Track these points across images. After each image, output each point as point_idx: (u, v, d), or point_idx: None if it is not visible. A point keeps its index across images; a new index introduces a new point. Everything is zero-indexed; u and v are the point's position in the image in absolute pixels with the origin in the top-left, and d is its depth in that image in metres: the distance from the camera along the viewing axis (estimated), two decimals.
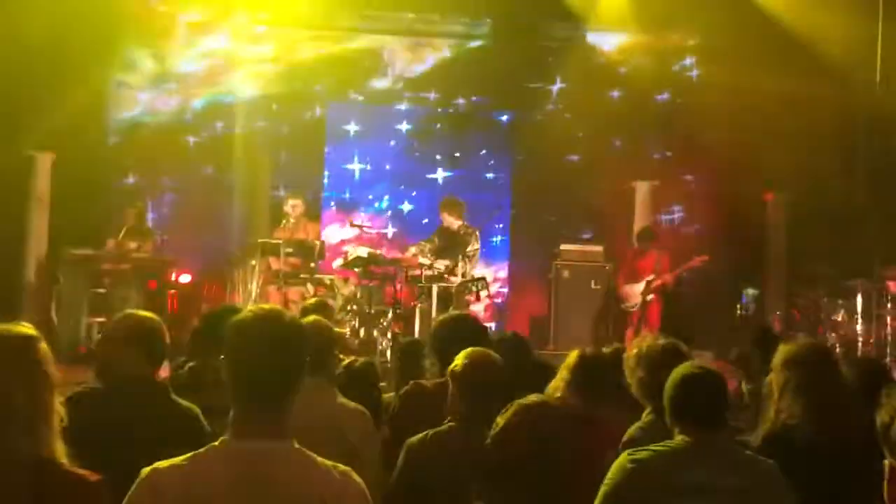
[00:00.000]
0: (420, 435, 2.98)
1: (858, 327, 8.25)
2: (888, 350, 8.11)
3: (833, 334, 8.40)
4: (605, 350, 3.81)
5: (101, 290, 8.17)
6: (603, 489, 2.56)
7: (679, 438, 2.58)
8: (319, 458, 1.89)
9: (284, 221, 8.10)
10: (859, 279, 8.27)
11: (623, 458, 2.57)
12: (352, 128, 10.22)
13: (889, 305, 8.24)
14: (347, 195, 10.16)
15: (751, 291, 8.65)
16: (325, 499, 1.83)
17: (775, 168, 9.45)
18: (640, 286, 8.80)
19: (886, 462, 1.20)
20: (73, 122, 8.98)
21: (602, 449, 2.74)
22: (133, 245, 8.38)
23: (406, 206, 10.21)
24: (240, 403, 1.87)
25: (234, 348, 1.88)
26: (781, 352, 3.25)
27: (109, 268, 8.25)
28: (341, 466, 1.92)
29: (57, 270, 8.26)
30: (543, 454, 2.42)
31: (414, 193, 10.22)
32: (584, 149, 10.36)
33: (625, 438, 3.00)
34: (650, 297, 8.78)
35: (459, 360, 2.99)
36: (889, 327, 8.19)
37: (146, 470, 1.84)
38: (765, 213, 10.06)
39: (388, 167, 10.24)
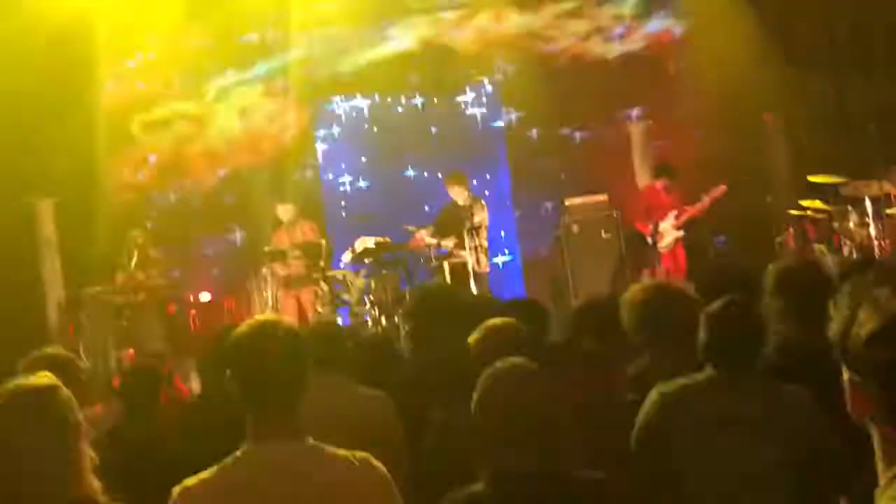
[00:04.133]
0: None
1: (872, 230, 8.22)
2: None
3: (848, 241, 8.38)
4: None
5: (124, 323, 8.28)
6: (637, 425, 2.64)
7: (706, 372, 2.62)
8: (337, 450, 1.96)
9: (283, 226, 8.14)
10: (865, 181, 8.22)
11: (653, 393, 2.64)
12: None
13: None
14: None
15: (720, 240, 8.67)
16: (347, 488, 1.91)
17: (769, 88, 9.45)
18: (670, 222, 8.67)
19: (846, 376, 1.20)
20: (72, 165, 9.15)
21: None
22: (142, 276, 8.47)
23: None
24: (253, 413, 1.94)
25: (238, 364, 1.95)
26: (772, 273, 3.28)
27: (125, 300, 8.35)
28: (359, 454, 1.99)
29: (78, 312, 8.38)
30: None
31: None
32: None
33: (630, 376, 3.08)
34: (681, 233, 8.66)
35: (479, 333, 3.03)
36: None
37: (176, 489, 1.92)
38: (765, 134, 10.03)
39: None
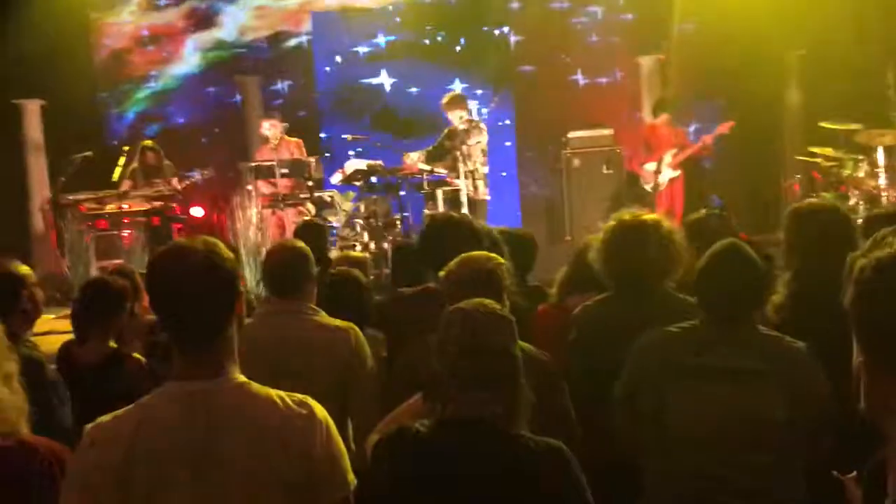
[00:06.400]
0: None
1: (882, 181, 7.94)
2: None
3: (856, 191, 8.10)
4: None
5: (108, 233, 8.10)
6: (625, 369, 2.53)
7: (699, 320, 2.47)
8: (269, 390, 1.77)
9: (270, 143, 7.90)
10: (880, 130, 7.91)
11: (643, 337, 2.52)
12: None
13: None
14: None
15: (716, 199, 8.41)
16: (277, 431, 1.72)
17: (787, 24, 9.04)
18: (654, 164, 8.47)
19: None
20: (59, 65, 8.90)
21: None
22: (143, 188, 8.31)
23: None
24: (175, 344, 1.74)
25: (153, 290, 1.73)
26: (790, 213, 3.11)
27: (114, 209, 8.15)
28: (297, 395, 1.79)
29: (61, 217, 8.19)
30: None
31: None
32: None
33: (575, 312, 2.96)
34: (677, 173, 8.41)
35: (452, 264, 2.83)
36: None
37: (89, 426, 1.74)
38: (780, 72, 9.64)
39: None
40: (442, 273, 2.65)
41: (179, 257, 1.71)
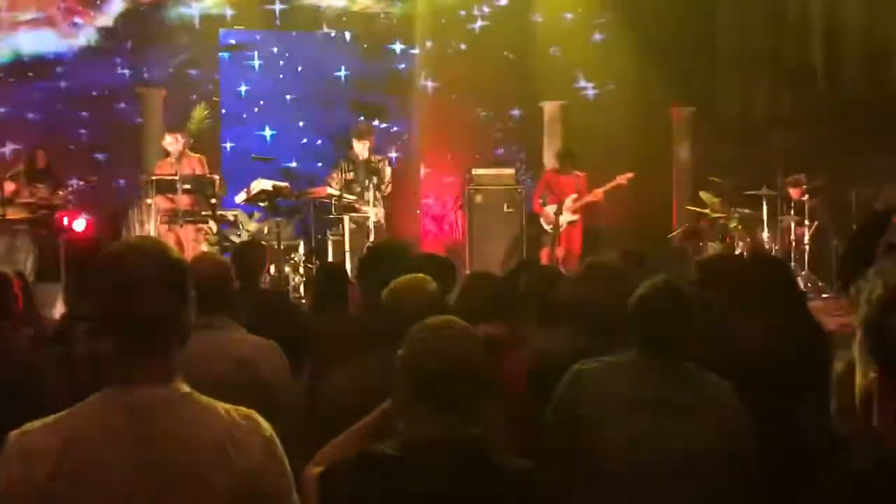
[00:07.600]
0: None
1: (765, 235, 8.42)
2: (792, 256, 8.32)
3: (740, 243, 8.58)
4: None
5: None
6: (553, 401, 2.48)
7: (631, 353, 2.46)
8: (215, 402, 1.69)
9: (169, 157, 7.62)
10: (763, 188, 8.41)
11: (571, 370, 2.48)
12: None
13: (792, 213, 8.44)
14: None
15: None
16: (223, 445, 1.64)
17: (680, 83, 9.52)
18: (555, 207, 8.69)
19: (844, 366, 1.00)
20: None
21: None
22: (26, 192, 7.87)
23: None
24: (116, 348, 1.64)
25: (100, 291, 1.63)
26: (702, 265, 3.20)
27: None
28: (243, 409, 1.72)
29: None
30: None
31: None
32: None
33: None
34: (575, 217, 8.66)
35: (397, 288, 2.73)
36: (793, 234, 8.40)
37: (14, 433, 1.61)
38: (670, 127, 10.13)
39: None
40: (385, 297, 2.59)
41: (133, 252, 1.62)
